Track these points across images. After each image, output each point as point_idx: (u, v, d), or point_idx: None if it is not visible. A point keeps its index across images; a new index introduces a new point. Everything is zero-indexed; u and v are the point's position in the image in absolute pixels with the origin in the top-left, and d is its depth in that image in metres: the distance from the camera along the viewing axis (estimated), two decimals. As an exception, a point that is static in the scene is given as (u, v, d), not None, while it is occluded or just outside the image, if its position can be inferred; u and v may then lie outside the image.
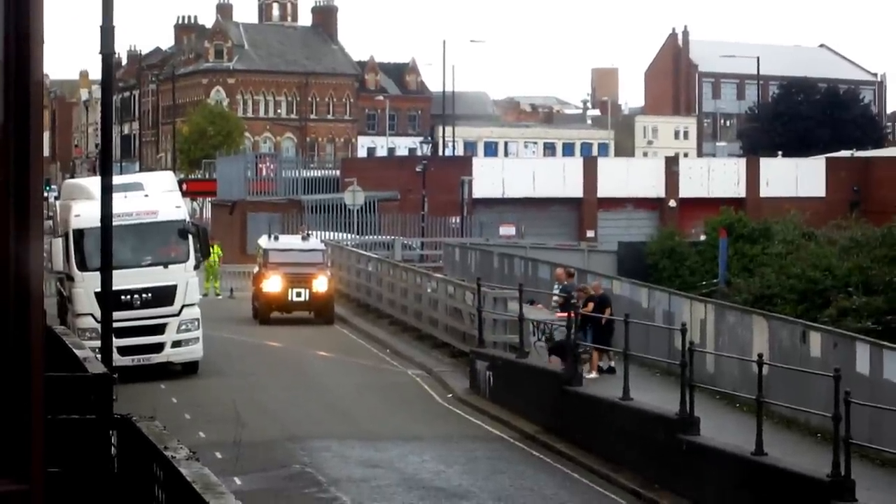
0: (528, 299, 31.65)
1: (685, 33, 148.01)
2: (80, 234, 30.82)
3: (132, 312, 30.57)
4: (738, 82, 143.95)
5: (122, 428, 12.23)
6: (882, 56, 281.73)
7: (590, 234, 73.18)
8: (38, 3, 5.27)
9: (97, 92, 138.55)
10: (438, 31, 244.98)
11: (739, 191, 77.71)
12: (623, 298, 33.77)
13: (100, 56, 21.90)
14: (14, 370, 5.17)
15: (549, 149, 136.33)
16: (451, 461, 23.11)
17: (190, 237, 31.69)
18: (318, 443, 24.51)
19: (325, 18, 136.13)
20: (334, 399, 29.72)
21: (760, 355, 20.73)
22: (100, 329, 22.35)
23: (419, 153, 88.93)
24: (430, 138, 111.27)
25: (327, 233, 60.16)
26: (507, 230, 68.96)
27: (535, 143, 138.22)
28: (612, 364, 28.34)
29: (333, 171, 79.50)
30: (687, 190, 77.33)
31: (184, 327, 31.73)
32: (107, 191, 21.23)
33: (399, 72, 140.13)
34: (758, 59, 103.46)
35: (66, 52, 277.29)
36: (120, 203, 25.84)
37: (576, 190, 76.34)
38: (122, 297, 29.54)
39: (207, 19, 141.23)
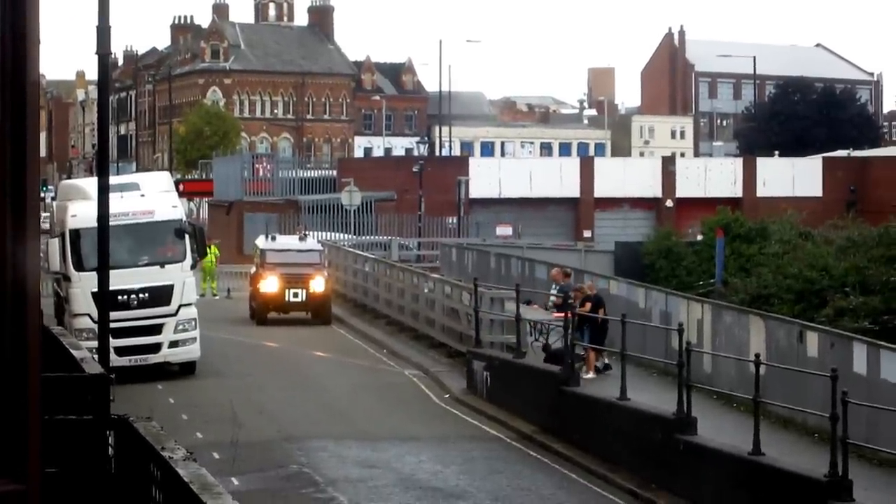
0: (525, 299, 31.65)
1: (681, 33, 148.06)
2: (76, 234, 30.80)
3: (129, 312, 30.53)
4: (734, 82, 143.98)
5: (120, 428, 12.22)
6: (878, 55, 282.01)
7: (587, 234, 73.17)
8: (34, 4, 5.26)
9: (94, 92, 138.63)
10: (435, 31, 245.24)
11: (736, 190, 77.70)
12: (620, 298, 33.78)
13: (96, 56, 21.88)
14: (11, 370, 5.16)
15: (546, 149, 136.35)
16: (448, 461, 23.11)
17: (186, 237, 31.68)
18: (315, 443, 24.51)
19: (322, 18, 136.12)
20: (331, 399, 29.72)
21: (757, 355, 20.75)
22: (97, 329, 22.35)
23: (416, 153, 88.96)
24: (426, 138, 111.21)
25: (324, 233, 60.16)
26: (504, 230, 68.96)
27: (532, 142, 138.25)
28: (607, 361, 28.36)
29: (330, 172, 79.53)
30: (684, 190, 77.33)
31: (181, 327, 31.70)
32: (103, 191, 21.22)
33: (395, 72, 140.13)
34: (754, 58, 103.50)
35: (63, 53, 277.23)
36: (116, 203, 25.83)
37: (572, 190, 76.33)
38: (119, 297, 29.52)
39: (203, 19, 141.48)
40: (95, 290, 23.95)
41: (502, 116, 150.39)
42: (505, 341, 30.63)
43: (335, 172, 77.64)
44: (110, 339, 22.16)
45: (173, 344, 31.73)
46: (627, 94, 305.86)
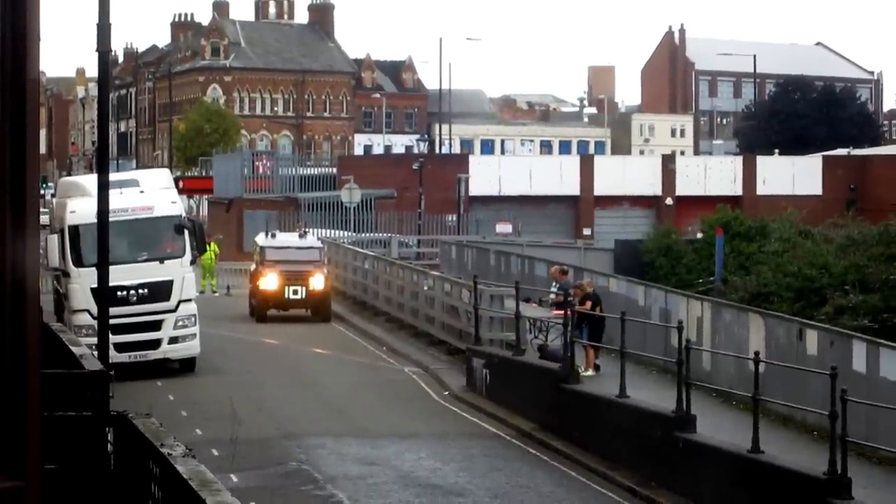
0: (525, 297, 31.65)
1: (682, 31, 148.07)
2: (75, 230, 30.79)
3: (128, 308, 30.48)
4: (734, 80, 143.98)
5: (119, 425, 12.22)
6: (879, 54, 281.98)
7: (586, 231, 73.17)
8: (34, 1, 5.26)
9: (94, 89, 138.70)
10: (435, 29, 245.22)
11: (736, 189, 77.71)
12: (619, 296, 33.79)
13: (96, 53, 21.91)
14: (10, 367, 5.16)
15: (546, 147, 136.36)
16: (447, 459, 23.11)
17: (186, 232, 31.64)
18: (314, 440, 24.51)
19: (322, 16, 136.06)
20: (331, 396, 29.72)
21: (757, 353, 20.75)
22: (96, 326, 22.35)
23: (416, 151, 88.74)
24: (426, 136, 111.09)
25: (324, 230, 60.14)
26: (504, 228, 68.96)
27: (532, 140, 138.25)
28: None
29: (330, 169, 79.56)
30: (683, 188, 77.36)
31: (180, 323, 31.66)
32: (103, 188, 21.23)
33: (395, 69, 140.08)
34: (754, 57, 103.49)
35: (63, 50, 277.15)
36: (115, 199, 25.78)
37: (572, 188, 76.34)
38: (119, 292, 29.49)
39: (204, 17, 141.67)
40: (95, 286, 23.94)
41: (502, 114, 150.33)
42: (504, 339, 30.63)
43: (335, 170, 77.67)
44: (110, 335, 22.17)
45: (173, 340, 31.70)
46: (627, 93, 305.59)
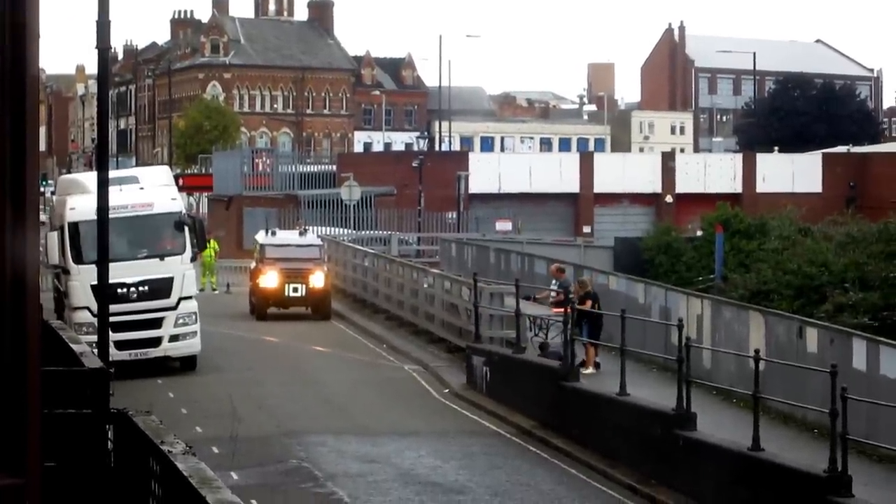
0: (525, 295, 31.65)
1: (681, 28, 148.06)
2: (75, 227, 30.73)
3: (128, 305, 30.41)
4: (734, 77, 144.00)
5: (119, 422, 12.21)
6: (878, 51, 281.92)
7: (586, 229, 73.16)
8: (34, -3, 5.25)
9: (93, 87, 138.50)
10: (434, 26, 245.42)
11: (736, 186, 77.70)
12: (619, 294, 33.78)
13: (96, 51, 21.89)
14: (10, 365, 5.15)
15: (546, 144, 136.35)
16: (447, 456, 23.10)
17: (186, 229, 31.55)
18: (314, 438, 24.50)
19: (321, 13, 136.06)
20: (331, 394, 29.71)
21: (757, 351, 20.74)
22: (96, 323, 22.32)
23: (415, 148, 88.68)
24: (426, 133, 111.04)
25: (324, 228, 60.11)
26: (504, 225, 68.97)
27: (532, 138, 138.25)
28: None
29: (330, 166, 79.51)
30: (683, 185, 77.36)
31: (181, 321, 31.57)
32: (103, 185, 21.21)
33: (395, 67, 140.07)
34: (754, 54, 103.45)
35: (63, 47, 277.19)
36: (115, 196, 25.74)
37: (572, 185, 76.33)
38: (119, 290, 29.44)
39: (203, 14, 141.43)
40: (95, 283, 23.91)
41: (502, 112, 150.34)
42: (505, 336, 30.62)
43: (335, 167, 77.65)
44: (110, 333, 22.14)
45: (173, 338, 31.62)
46: (627, 90, 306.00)
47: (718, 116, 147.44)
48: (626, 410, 22.80)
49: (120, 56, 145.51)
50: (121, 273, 28.51)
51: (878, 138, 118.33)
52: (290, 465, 22.43)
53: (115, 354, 24.94)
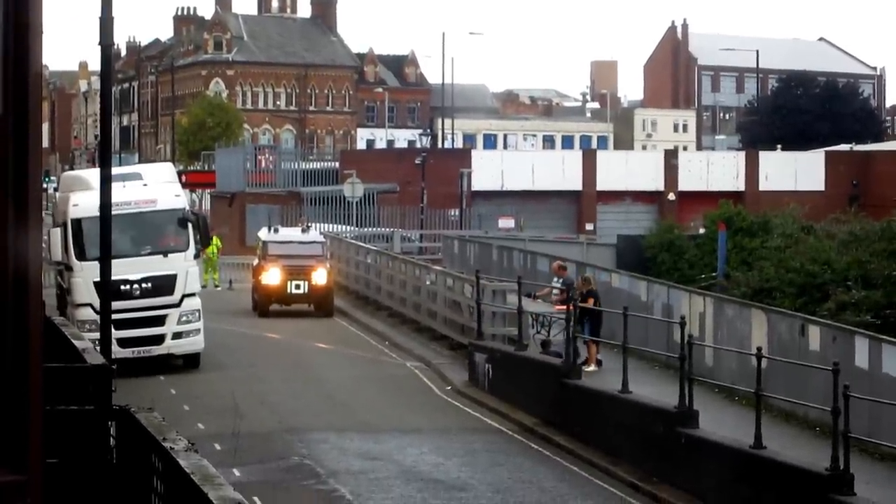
0: (527, 292, 31.66)
1: (684, 26, 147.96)
2: (78, 223, 30.68)
3: (132, 302, 30.38)
4: (737, 75, 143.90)
5: (121, 419, 12.21)
6: (881, 50, 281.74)
7: (589, 227, 73.18)
8: (37, -6, 5.25)
9: (96, 83, 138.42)
10: (437, 24, 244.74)
11: (738, 184, 77.72)
12: (622, 291, 33.79)
13: (99, 47, 21.89)
14: (13, 361, 5.16)
15: (549, 141, 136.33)
16: (449, 453, 23.11)
17: (189, 226, 31.49)
18: (316, 435, 24.50)
19: (325, 10, 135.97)
20: (333, 391, 29.72)
21: (759, 349, 20.75)
22: (99, 320, 22.30)
23: (418, 145, 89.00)
24: (429, 131, 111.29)
25: (326, 225, 60.13)
26: (506, 223, 69.01)
27: (535, 135, 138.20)
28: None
29: (333, 163, 79.55)
30: (686, 183, 77.37)
31: (184, 318, 31.49)
32: (106, 181, 21.21)
33: (398, 64, 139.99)
34: (757, 52, 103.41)
35: (66, 44, 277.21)
36: (118, 192, 25.70)
37: (575, 183, 76.35)
38: (122, 286, 29.43)
39: (206, 10, 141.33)
40: (97, 279, 23.90)
41: (505, 109, 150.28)
42: (507, 334, 30.63)
43: (338, 164, 77.65)
44: (113, 331, 22.12)
45: (177, 335, 31.54)
46: (630, 88, 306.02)
47: (721, 114, 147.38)
48: (628, 408, 22.80)
49: (123, 53, 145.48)
50: (124, 270, 28.50)
51: (881, 136, 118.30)
52: (293, 461, 22.43)
53: (117, 352, 24.90)
